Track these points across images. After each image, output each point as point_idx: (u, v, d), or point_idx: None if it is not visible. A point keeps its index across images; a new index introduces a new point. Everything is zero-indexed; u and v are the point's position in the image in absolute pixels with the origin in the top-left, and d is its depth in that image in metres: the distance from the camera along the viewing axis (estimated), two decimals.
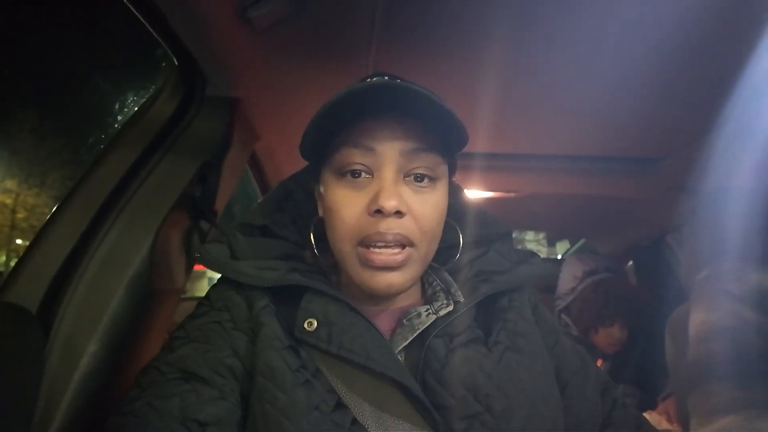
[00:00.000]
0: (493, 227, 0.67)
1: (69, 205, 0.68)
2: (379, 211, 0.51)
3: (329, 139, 0.56)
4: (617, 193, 1.47)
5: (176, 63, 0.73)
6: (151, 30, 0.64)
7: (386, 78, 0.55)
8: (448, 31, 0.76)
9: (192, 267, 0.82)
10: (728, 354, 0.66)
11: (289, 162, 1.27)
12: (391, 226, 0.52)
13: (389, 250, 0.53)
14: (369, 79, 0.55)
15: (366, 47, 0.79)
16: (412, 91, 0.50)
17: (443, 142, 0.56)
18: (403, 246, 0.53)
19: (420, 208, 0.54)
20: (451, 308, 0.59)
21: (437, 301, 0.60)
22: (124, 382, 0.68)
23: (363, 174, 0.54)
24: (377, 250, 0.53)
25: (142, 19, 0.62)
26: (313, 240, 0.62)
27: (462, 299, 0.59)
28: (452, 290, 0.61)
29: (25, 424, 0.56)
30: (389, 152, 0.53)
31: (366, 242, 0.53)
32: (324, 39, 0.76)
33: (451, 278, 0.63)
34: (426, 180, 0.55)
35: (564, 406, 0.58)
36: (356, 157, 0.54)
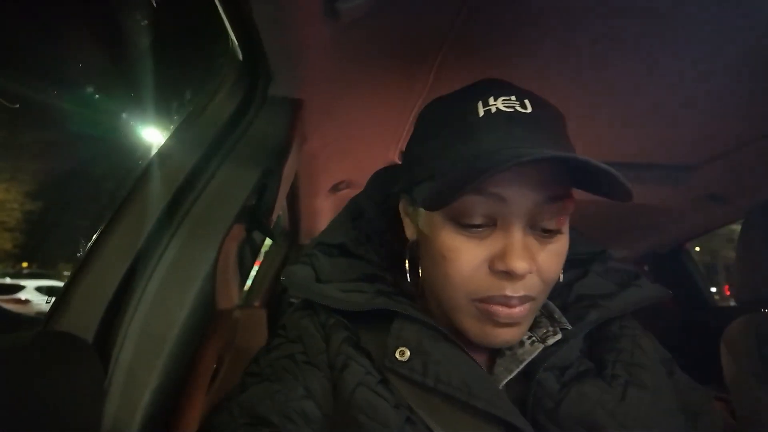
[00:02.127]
0: (586, 246, 0.62)
1: (121, 219, 0.60)
2: (506, 272, 0.46)
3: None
4: (645, 200, 1.46)
5: (240, 58, 0.66)
6: (224, 18, 0.57)
7: (515, 101, 0.48)
8: (515, 50, 0.74)
9: (245, 283, 0.75)
10: None
11: (328, 169, 1.21)
12: (517, 289, 0.47)
13: (514, 309, 0.47)
14: (492, 100, 0.48)
15: (434, 56, 0.74)
16: (590, 164, 0.42)
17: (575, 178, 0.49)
18: (525, 301, 0.48)
19: (546, 261, 0.48)
20: (559, 336, 0.53)
21: (540, 328, 0.54)
22: (187, 416, 0.61)
23: (484, 225, 0.47)
24: (501, 306, 0.47)
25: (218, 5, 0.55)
26: (408, 266, 0.56)
27: (569, 326, 0.54)
28: (556, 316, 0.55)
29: None
30: (522, 203, 0.46)
31: (488, 301, 0.47)
32: (397, 41, 0.70)
33: (552, 304, 0.57)
34: (554, 232, 0.48)
35: None
36: (481, 208, 0.46)
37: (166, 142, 0.65)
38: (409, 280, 0.56)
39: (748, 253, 1.03)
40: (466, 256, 0.47)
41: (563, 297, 0.58)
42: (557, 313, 0.56)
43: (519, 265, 0.45)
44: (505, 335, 0.48)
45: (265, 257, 1.61)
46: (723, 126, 1.04)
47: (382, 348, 0.50)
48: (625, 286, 0.58)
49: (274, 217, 0.78)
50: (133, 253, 0.58)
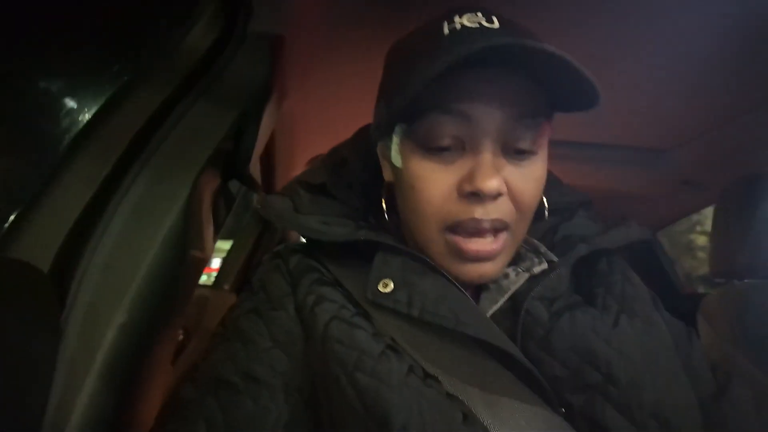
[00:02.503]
0: (572, 195, 0.61)
1: (85, 146, 0.55)
2: (474, 194, 0.44)
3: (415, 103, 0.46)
4: (619, 185, 1.47)
5: None
6: None
7: (481, 17, 0.46)
8: None
9: (217, 235, 0.70)
10: None
11: (308, 139, 1.16)
12: (488, 212, 0.44)
13: (484, 239, 0.46)
14: (458, 18, 0.46)
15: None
16: (540, 51, 0.39)
17: (550, 97, 0.47)
18: (498, 231, 0.46)
19: (520, 185, 0.46)
20: (545, 266, 0.52)
21: (526, 261, 0.53)
22: (156, 364, 0.57)
23: (453, 147, 0.45)
24: (470, 239, 0.45)
25: None
26: (384, 206, 0.54)
27: (556, 259, 0.53)
28: (542, 250, 0.55)
29: (39, 408, 0.43)
30: (489, 121, 0.44)
31: (456, 229, 0.46)
32: None
33: (537, 241, 0.56)
34: (527, 153, 0.46)
35: None
36: (448, 128, 0.44)
37: (136, 73, 0.61)
38: (387, 218, 0.54)
39: (722, 230, 1.05)
40: (434, 183, 0.45)
41: (549, 238, 0.57)
42: (542, 248, 0.55)
43: (487, 183, 0.42)
44: (476, 271, 0.47)
45: (236, 239, 1.55)
46: (695, 110, 1.06)
47: (362, 284, 0.48)
48: (612, 226, 0.57)
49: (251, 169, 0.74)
50: (97, 181, 0.53)
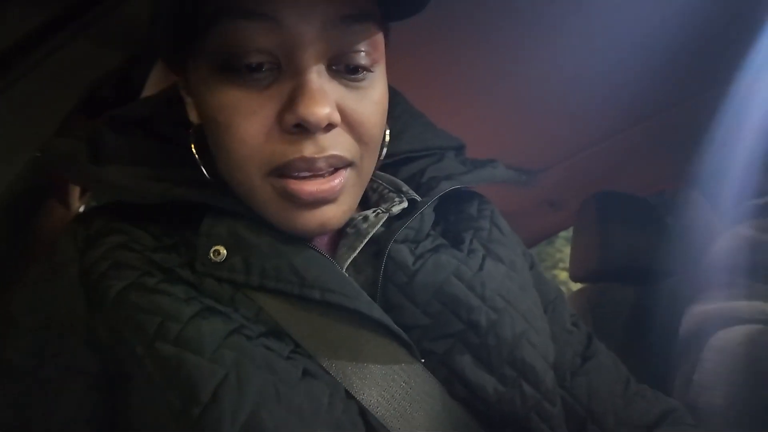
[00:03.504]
0: (445, 139, 0.56)
1: None
2: (300, 126, 0.35)
3: (195, 6, 0.36)
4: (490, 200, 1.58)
5: None
6: None
7: None
8: None
9: (85, 196, 0.61)
10: None
11: None
12: (322, 147, 0.36)
13: (321, 179, 0.38)
14: None
15: None
16: None
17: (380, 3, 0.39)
18: (337, 168, 0.38)
19: (358, 111, 0.38)
20: (405, 204, 0.46)
21: (387, 202, 0.47)
22: None
23: (263, 66, 0.36)
24: (303, 180, 0.37)
25: None
26: (196, 152, 0.43)
27: (419, 198, 0.47)
28: (404, 189, 0.49)
29: None
30: (305, 25, 0.35)
31: (283, 172, 0.37)
32: None
33: (400, 180, 0.50)
34: (361, 70, 0.38)
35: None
36: (251, 38, 0.34)
37: None
38: (206, 173, 0.42)
39: (580, 237, 1.19)
40: (246, 117, 0.36)
41: (416, 180, 0.51)
42: (405, 187, 0.49)
43: (313, 110, 0.34)
44: (316, 218, 0.38)
45: None
46: (561, 134, 1.20)
47: (191, 253, 0.40)
48: (479, 166, 0.53)
49: None
50: None
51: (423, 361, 0.40)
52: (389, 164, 0.52)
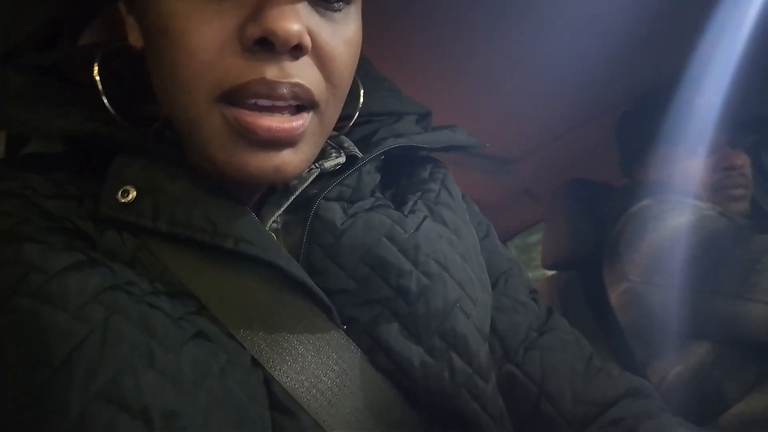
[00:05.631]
0: (410, 105, 0.52)
1: None
2: (264, 41, 0.31)
3: None
4: (470, 191, 1.57)
5: None
6: None
7: None
8: None
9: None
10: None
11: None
12: (287, 73, 0.32)
13: (280, 115, 0.33)
14: None
15: None
16: None
17: None
18: (300, 108, 0.34)
19: (330, 44, 0.34)
20: (342, 159, 0.43)
21: (327, 158, 0.43)
22: None
23: None
24: (259, 113, 0.32)
25: None
26: (99, 82, 0.38)
27: (360, 154, 0.44)
28: (345, 145, 0.45)
29: None
30: None
31: (238, 97, 0.32)
32: None
33: (344, 137, 0.47)
34: (339, 1, 0.34)
35: (497, 306, 0.45)
36: None
37: None
38: (109, 106, 0.38)
39: (551, 225, 1.18)
40: (199, 24, 0.31)
41: (366, 141, 0.47)
42: (348, 142, 0.45)
43: (283, 23, 0.30)
44: (272, 160, 0.33)
45: None
46: (538, 121, 1.19)
47: (93, 194, 0.36)
48: (436, 129, 0.50)
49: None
50: None
51: (345, 328, 0.37)
52: (342, 126, 0.47)
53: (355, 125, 0.48)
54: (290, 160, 0.34)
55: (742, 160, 0.88)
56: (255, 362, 0.33)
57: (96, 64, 0.38)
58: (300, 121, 0.34)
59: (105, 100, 0.38)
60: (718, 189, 0.88)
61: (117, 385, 0.27)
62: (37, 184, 0.36)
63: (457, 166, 1.40)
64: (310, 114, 0.35)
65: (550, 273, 1.24)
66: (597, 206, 1.07)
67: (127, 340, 0.29)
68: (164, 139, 0.41)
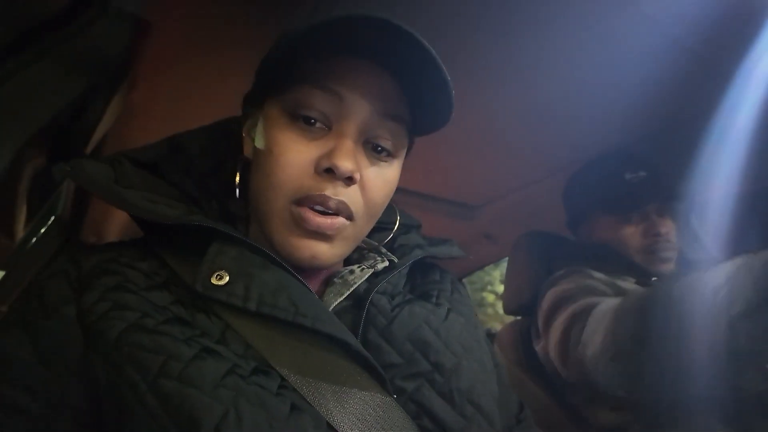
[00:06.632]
0: (409, 218, 0.66)
1: None
2: (330, 171, 0.45)
3: (284, 69, 0.47)
4: (434, 232, 1.65)
5: None
6: None
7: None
8: None
9: (30, 223, 0.59)
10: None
11: (158, 123, 1.04)
12: (338, 192, 0.46)
13: (326, 216, 0.46)
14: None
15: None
16: (408, 36, 0.42)
17: (413, 115, 0.51)
18: (340, 214, 0.47)
19: (372, 181, 0.48)
20: (387, 263, 0.56)
21: (369, 260, 0.56)
22: None
23: (318, 123, 0.47)
24: (314, 213, 0.46)
25: None
26: (237, 179, 0.52)
27: (396, 259, 0.57)
28: (382, 251, 0.58)
29: None
30: (358, 107, 0.47)
31: (304, 202, 0.46)
32: None
33: (377, 243, 0.59)
34: (385, 153, 0.49)
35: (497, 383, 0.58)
36: (317, 101, 0.46)
37: None
38: (237, 196, 0.52)
39: (512, 273, 1.27)
40: (294, 153, 0.46)
41: (389, 245, 0.60)
42: (383, 249, 0.59)
43: (344, 162, 0.44)
44: (310, 248, 0.47)
45: (26, 253, 1.26)
46: (501, 172, 1.28)
47: (191, 277, 0.43)
48: (439, 242, 0.63)
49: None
50: None
51: (395, 396, 0.45)
52: (382, 238, 0.60)
53: (372, 231, 0.57)
54: (324, 251, 0.47)
55: (667, 228, 1.00)
56: (330, 426, 0.40)
57: (238, 172, 0.52)
58: (338, 221, 0.47)
59: (237, 193, 0.52)
60: (648, 252, 1.00)
61: None
62: (134, 277, 0.44)
63: (425, 210, 1.48)
64: (347, 222, 0.47)
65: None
66: (551, 257, 1.16)
67: (252, 417, 0.37)
68: (248, 233, 0.52)
